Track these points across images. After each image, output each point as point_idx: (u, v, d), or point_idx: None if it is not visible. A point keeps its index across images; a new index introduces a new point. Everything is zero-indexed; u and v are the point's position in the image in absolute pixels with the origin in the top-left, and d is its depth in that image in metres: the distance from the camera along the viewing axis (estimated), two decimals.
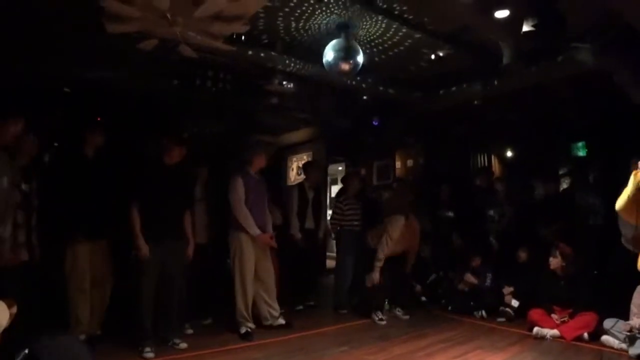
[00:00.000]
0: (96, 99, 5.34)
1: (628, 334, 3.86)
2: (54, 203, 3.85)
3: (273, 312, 4.80)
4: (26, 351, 2.18)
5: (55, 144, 5.02)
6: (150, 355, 3.81)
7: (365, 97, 6.08)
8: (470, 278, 5.55)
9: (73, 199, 3.87)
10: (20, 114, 3.40)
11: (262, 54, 4.63)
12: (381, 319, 5.20)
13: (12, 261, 3.34)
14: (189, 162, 4.43)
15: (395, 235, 5.18)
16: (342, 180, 6.28)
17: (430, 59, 4.97)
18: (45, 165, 4.01)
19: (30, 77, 4.79)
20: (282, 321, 4.82)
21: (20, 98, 4.38)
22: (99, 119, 4.89)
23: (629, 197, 2.68)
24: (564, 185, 6.52)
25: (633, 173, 2.67)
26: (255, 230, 4.53)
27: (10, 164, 3.43)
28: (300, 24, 4.46)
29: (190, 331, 4.54)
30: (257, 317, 4.72)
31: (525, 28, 3.74)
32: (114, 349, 3.92)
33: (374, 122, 6.77)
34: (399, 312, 5.44)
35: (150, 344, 3.89)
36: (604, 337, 4.22)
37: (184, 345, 4.10)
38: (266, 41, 4.67)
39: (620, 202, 2.76)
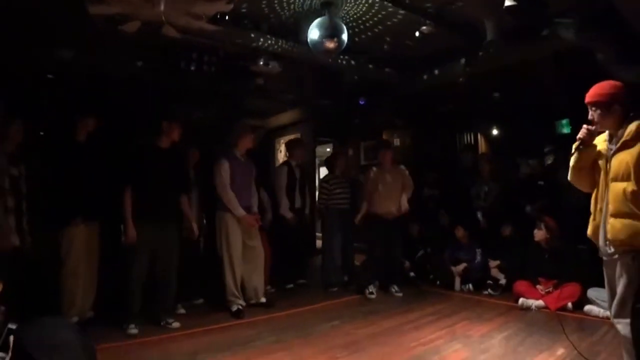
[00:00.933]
0: (80, 84, 5.29)
1: None
2: (48, 188, 3.87)
3: (258, 292, 4.90)
4: (11, 335, 2.19)
5: (41, 133, 4.97)
6: (134, 331, 3.90)
7: (351, 77, 6.08)
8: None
9: (67, 184, 3.88)
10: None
11: (246, 34, 4.60)
12: (371, 293, 5.34)
13: (3, 246, 3.34)
14: (181, 145, 4.44)
15: (369, 187, 5.51)
16: (327, 160, 6.28)
17: (415, 37, 4.97)
18: (34, 151, 3.96)
19: (12, 63, 4.72)
20: (263, 300, 4.91)
21: (2, 82, 4.34)
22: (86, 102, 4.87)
23: (572, 167, 2.72)
24: (549, 161, 6.61)
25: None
26: (240, 212, 4.60)
27: None
28: (284, 3, 4.44)
29: (182, 311, 4.60)
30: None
31: (508, 3, 3.77)
32: (104, 329, 3.94)
33: (360, 102, 6.78)
34: (393, 289, 5.46)
35: (136, 321, 3.97)
36: (588, 307, 4.34)
37: (177, 324, 4.16)
38: (250, 21, 4.64)
39: (569, 175, 2.79)
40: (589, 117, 2.65)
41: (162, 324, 4.14)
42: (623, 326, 2.49)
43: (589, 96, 2.67)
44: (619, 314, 2.54)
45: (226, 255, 4.66)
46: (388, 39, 5.27)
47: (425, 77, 6.13)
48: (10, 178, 3.59)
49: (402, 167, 5.65)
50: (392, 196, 5.42)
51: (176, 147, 4.29)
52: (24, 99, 4.71)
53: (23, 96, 4.77)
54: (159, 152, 4.15)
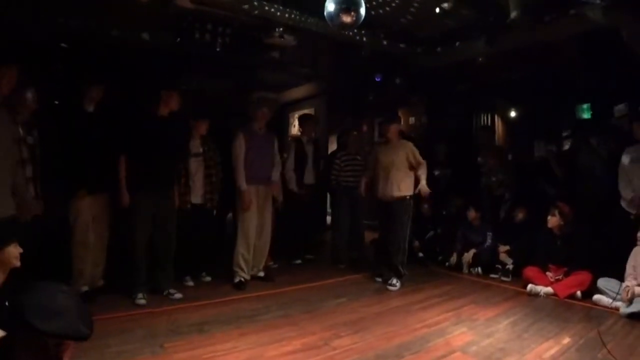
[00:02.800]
0: (95, 54, 5.25)
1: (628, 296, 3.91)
2: (55, 158, 3.86)
3: (260, 265, 5.00)
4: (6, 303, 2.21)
5: (56, 102, 4.96)
6: (142, 302, 3.97)
7: (367, 52, 5.93)
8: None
9: (74, 154, 3.88)
10: (13, 62, 3.34)
11: (261, 5, 4.50)
12: (393, 284, 4.84)
13: (25, 215, 3.38)
14: (183, 115, 4.42)
15: (369, 162, 5.30)
16: (339, 136, 6.21)
17: (435, 12, 4.82)
18: (46, 119, 3.95)
19: (26, 32, 4.69)
20: (261, 274, 4.99)
21: (16, 50, 4.31)
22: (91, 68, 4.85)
23: None
24: (566, 146, 6.48)
25: None
26: (242, 185, 4.64)
27: (10, 119, 3.39)
28: None
29: (190, 283, 4.65)
30: None
31: None
32: (114, 298, 4.04)
33: (376, 78, 6.66)
34: (390, 284, 4.86)
35: (144, 290, 4.05)
36: (596, 296, 4.29)
37: (179, 295, 4.21)
38: None
39: None
40: None
41: (164, 293, 4.20)
42: None
43: None
44: None
45: (241, 226, 4.73)
46: (408, 14, 5.11)
47: (443, 54, 5.99)
48: (28, 147, 3.61)
49: (410, 143, 5.07)
50: (392, 177, 4.83)
51: (175, 115, 4.28)
52: (38, 68, 4.69)
53: (37, 65, 4.75)
54: (157, 120, 4.14)
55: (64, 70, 5.12)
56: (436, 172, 6.60)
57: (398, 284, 4.81)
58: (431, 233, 6.25)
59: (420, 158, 4.93)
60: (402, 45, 5.85)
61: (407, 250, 4.99)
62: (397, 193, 4.82)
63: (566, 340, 3.36)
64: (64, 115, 4.06)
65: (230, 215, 5.47)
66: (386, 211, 4.93)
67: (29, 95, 3.62)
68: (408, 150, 4.91)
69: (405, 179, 4.87)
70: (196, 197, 4.69)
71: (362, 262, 5.81)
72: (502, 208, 5.85)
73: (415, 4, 4.85)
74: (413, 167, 4.91)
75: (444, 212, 6.47)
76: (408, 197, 4.88)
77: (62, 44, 5.23)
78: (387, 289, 4.77)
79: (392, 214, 4.86)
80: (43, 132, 3.79)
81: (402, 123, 5.17)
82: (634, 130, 4.54)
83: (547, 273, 4.69)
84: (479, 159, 6.42)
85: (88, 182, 3.95)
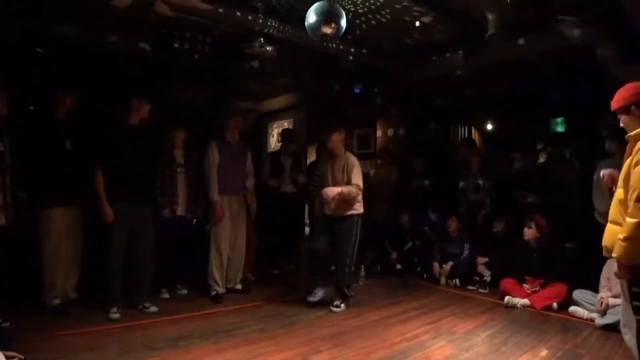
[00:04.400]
0: (71, 60, 5.13)
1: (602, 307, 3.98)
2: (26, 167, 3.74)
3: (236, 278, 4.93)
4: None
5: (31, 108, 4.83)
6: (116, 316, 3.86)
7: (347, 64, 5.96)
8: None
9: (45, 163, 3.77)
10: None
11: (242, 15, 4.47)
12: (337, 306, 4.43)
13: None
14: (155, 123, 4.36)
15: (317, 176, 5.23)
16: (318, 148, 6.20)
17: (415, 26, 4.87)
18: (18, 125, 3.82)
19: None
20: (239, 286, 4.93)
21: None
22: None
23: None
24: (541, 159, 6.60)
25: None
26: (214, 196, 4.58)
27: None
28: None
29: (166, 296, 4.56)
30: None
31: None
32: (87, 312, 3.92)
33: (355, 90, 6.67)
34: (334, 304, 4.44)
35: (118, 304, 3.94)
36: (572, 308, 4.35)
37: (154, 308, 4.12)
38: (246, 2, 4.50)
39: None
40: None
41: (139, 307, 4.10)
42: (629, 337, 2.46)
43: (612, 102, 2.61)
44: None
45: (213, 239, 4.66)
46: (387, 27, 5.14)
47: (422, 67, 6.04)
48: None
49: (352, 158, 4.51)
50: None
51: (146, 124, 4.22)
52: (10, 72, 4.55)
53: (10, 68, 4.62)
54: (128, 128, 4.07)
55: (38, 76, 4.97)
56: (414, 184, 6.64)
57: (343, 306, 4.43)
58: (409, 245, 6.26)
59: (353, 176, 4.37)
60: (382, 58, 5.88)
61: (352, 273, 4.60)
62: (339, 212, 4.44)
63: (544, 352, 3.38)
64: (35, 122, 3.94)
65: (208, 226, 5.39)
66: (331, 229, 4.53)
67: (0, 99, 3.49)
68: (346, 164, 4.44)
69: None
70: (179, 208, 4.63)
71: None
72: (480, 213, 5.89)
73: (396, 18, 4.88)
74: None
75: (420, 223, 6.49)
76: (354, 216, 4.46)
77: (38, 49, 5.08)
78: (331, 311, 4.36)
79: (337, 233, 4.47)
80: (14, 138, 3.66)
81: (344, 135, 4.56)
82: (607, 146, 4.64)
83: (524, 285, 4.74)
84: (459, 159, 6.47)
85: (60, 192, 3.82)
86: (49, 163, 3.77)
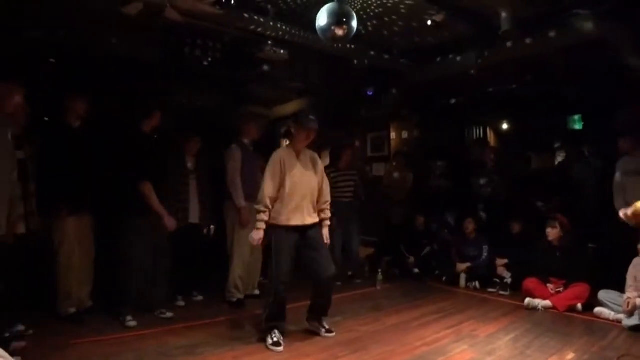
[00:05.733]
0: (81, 68, 5.15)
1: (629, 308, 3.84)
2: (42, 175, 3.72)
3: (254, 283, 4.92)
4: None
5: (46, 119, 4.85)
6: (132, 323, 3.84)
7: (359, 67, 5.89)
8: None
9: (58, 172, 3.74)
10: (16, 80, 3.26)
11: (252, 18, 4.44)
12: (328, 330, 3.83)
13: (7, 238, 3.20)
14: (167, 131, 4.38)
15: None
16: (332, 152, 6.13)
17: (427, 25, 4.79)
18: (36, 135, 3.83)
19: (14, 46, 4.59)
20: (256, 292, 4.91)
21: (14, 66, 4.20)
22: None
23: None
24: (560, 158, 6.47)
25: None
26: (241, 202, 4.52)
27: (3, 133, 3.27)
28: None
29: (181, 303, 4.52)
30: None
31: None
32: (102, 320, 3.90)
33: (368, 93, 6.61)
34: (322, 328, 3.84)
35: (133, 311, 3.92)
36: (598, 309, 4.22)
37: (170, 314, 4.11)
38: (256, 6, 4.48)
39: None
40: None
41: (156, 313, 4.08)
42: None
43: None
44: None
45: (237, 247, 4.59)
46: (399, 27, 5.08)
47: (435, 68, 5.96)
48: (18, 162, 3.45)
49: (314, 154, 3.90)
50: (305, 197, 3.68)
51: (158, 133, 4.24)
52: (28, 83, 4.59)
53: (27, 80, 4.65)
54: (146, 138, 4.07)
55: (51, 85, 5.00)
56: (432, 185, 6.56)
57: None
58: (427, 249, 6.13)
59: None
60: (393, 59, 5.82)
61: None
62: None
63: (570, 355, 3.27)
64: (51, 131, 3.94)
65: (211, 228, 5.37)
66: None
67: (23, 110, 3.51)
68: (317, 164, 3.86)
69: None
70: (192, 216, 4.59)
71: (358, 278, 5.76)
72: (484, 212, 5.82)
73: (407, 17, 4.82)
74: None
75: (437, 226, 6.39)
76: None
77: (51, 60, 5.12)
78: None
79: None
80: (35, 148, 3.68)
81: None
82: (620, 145, 4.54)
83: (548, 285, 4.62)
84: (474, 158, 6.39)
85: (72, 201, 3.80)
86: (61, 173, 3.75)
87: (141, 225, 3.91)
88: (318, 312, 3.87)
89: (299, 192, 3.62)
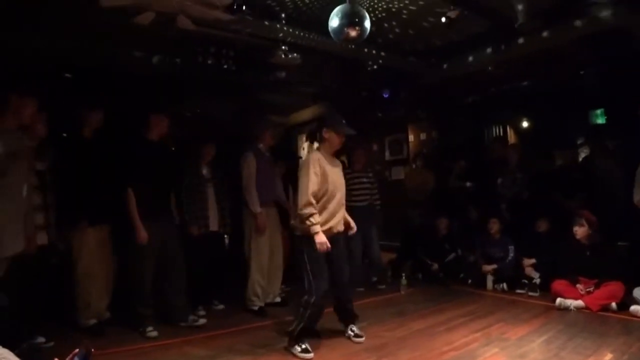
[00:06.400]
0: (95, 79, 5.19)
1: None
2: (59, 187, 3.73)
3: (275, 291, 4.84)
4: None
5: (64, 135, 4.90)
6: (154, 334, 3.78)
7: (373, 69, 5.82)
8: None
9: (77, 184, 3.74)
10: (35, 93, 3.25)
11: (264, 23, 4.42)
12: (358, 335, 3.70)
13: (28, 249, 3.16)
14: (177, 139, 4.38)
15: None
16: (346, 154, 6.04)
17: (441, 23, 4.71)
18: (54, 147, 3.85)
19: (28, 59, 4.65)
20: (278, 299, 4.84)
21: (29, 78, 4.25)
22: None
23: None
24: (583, 154, 6.30)
25: None
26: (256, 208, 4.49)
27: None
28: None
29: (202, 312, 4.44)
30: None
31: None
32: (122, 331, 3.88)
33: (384, 95, 6.54)
34: (351, 331, 3.73)
35: (153, 323, 3.86)
36: (634, 307, 4.05)
37: (203, 320, 4.08)
38: (268, 11, 4.46)
39: None
40: None
41: (182, 324, 4.02)
42: None
43: None
44: None
45: (255, 253, 4.55)
46: (412, 26, 5.00)
47: (451, 66, 5.86)
48: (37, 174, 3.50)
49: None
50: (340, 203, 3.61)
51: (166, 140, 4.22)
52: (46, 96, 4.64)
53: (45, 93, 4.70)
54: (151, 145, 4.02)
55: (66, 97, 5.05)
56: (454, 186, 6.43)
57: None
58: (452, 255, 5.96)
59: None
60: (409, 59, 5.73)
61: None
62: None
63: (608, 356, 3.11)
64: (67, 143, 3.95)
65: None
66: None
67: (41, 122, 3.51)
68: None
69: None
70: (212, 224, 4.57)
71: (382, 283, 5.67)
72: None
73: (421, 16, 4.74)
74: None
75: (462, 228, 6.24)
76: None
77: (67, 74, 5.17)
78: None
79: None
80: (52, 160, 3.71)
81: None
82: None
83: (577, 285, 4.45)
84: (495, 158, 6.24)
85: (90, 212, 3.79)
86: (79, 183, 3.74)
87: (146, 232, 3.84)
88: (344, 317, 3.79)
89: (337, 196, 3.51)
